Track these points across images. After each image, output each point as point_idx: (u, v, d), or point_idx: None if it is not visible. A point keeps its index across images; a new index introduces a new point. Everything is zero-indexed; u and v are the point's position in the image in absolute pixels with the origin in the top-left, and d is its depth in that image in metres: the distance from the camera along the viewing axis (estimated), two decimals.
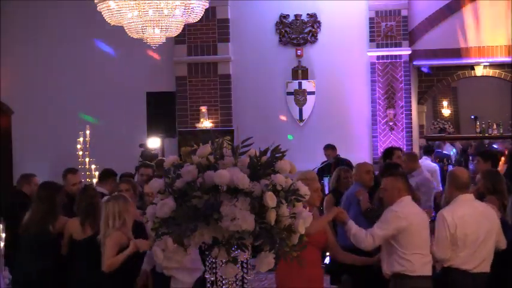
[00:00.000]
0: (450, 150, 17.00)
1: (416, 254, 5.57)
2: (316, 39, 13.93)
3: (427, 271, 5.65)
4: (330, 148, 12.29)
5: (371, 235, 5.62)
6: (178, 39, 13.15)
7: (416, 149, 13.85)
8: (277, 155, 3.34)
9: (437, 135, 16.93)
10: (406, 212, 5.62)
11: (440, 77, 14.49)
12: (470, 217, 5.79)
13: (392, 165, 8.06)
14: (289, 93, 13.92)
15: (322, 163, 12.21)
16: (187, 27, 12.36)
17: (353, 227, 5.71)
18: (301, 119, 13.90)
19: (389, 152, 9.63)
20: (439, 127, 17.71)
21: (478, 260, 5.79)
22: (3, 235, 7.55)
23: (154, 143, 12.86)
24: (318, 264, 5.62)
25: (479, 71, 14.45)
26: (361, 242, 5.66)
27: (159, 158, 11.44)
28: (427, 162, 12.12)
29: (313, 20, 13.92)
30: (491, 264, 5.89)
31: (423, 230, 5.66)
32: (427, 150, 13.40)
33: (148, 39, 8.97)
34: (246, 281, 3.30)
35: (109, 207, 5.89)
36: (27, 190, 7.98)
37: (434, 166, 12.74)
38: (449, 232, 5.68)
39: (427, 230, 5.71)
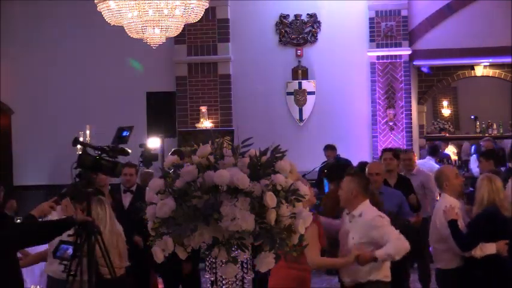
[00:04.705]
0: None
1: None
2: (316, 39, 13.93)
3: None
4: (329, 149, 12.29)
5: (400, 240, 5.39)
6: (178, 39, 13.14)
7: (416, 149, 13.84)
8: (277, 155, 3.34)
9: (437, 135, 16.90)
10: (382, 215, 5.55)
11: (440, 77, 14.49)
12: None
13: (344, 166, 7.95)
14: (289, 93, 13.92)
15: (323, 163, 12.20)
16: (187, 27, 12.36)
17: (382, 251, 5.32)
18: (301, 119, 13.90)
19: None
20: (436, 127, 17.62)
21: None
22: None
23: (154, 143, 12.83)
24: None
25: (479, 71, 14.46)
26: (402, 247, 5.35)
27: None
28: (430, 163, 11.61)
29: (313, 20, 13.92)
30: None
31: None
32: (433, 151, 12.60)
33: (148, 39, 8.99)
34: (246, 281, 3.30)
35: None
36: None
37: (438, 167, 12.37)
38: None
39: None
